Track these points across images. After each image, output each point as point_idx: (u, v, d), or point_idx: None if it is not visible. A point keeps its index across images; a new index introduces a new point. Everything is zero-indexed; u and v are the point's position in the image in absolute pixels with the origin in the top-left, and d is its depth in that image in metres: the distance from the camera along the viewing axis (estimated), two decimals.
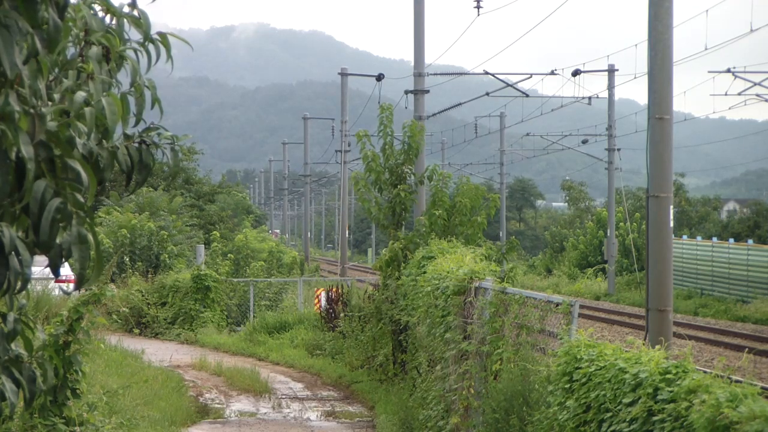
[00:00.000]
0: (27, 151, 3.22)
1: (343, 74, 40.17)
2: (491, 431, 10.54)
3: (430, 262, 15.60)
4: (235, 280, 31.83)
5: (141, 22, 4.06)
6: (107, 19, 4.03)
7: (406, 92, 25.64)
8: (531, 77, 38.05)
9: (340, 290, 24.51)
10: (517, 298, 10.81)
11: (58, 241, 3.41)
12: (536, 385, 9.34)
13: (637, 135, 36.52)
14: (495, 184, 64.68)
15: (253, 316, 29.26)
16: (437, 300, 13.33)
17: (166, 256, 35.28)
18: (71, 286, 21.10)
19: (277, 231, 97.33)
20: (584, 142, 51.72)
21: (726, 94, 38.31)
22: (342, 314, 22.92)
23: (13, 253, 3.30)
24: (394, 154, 19.53)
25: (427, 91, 24.54)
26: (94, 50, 3.90)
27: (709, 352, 26.66)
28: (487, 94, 37.95)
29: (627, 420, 7.01)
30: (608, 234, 45.46)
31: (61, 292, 21.12)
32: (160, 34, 4.15)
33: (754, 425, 5.72)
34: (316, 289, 29.29)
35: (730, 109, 40.62)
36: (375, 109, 21.28)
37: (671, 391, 6.63)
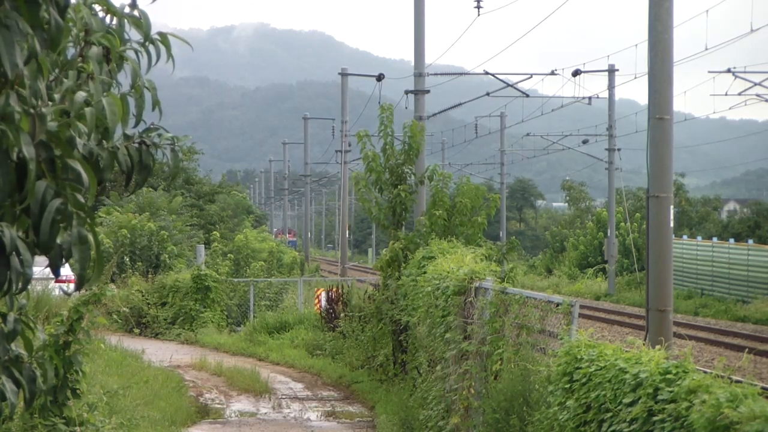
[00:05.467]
0: (29, 151, 3.22)
1: (343, 74, 40.18)
2: (491, 431, 10.54)
3: (430, 262, 15.60)
4: (235, 280, 31.84)
5: (141, 22, 4.05)
6: (107, 19, 4.02)
7: (407, 92, 25.63)
8: (531, 77, 38.09)
9: (340, 290, 24.51)
10: (518, 298, 10.81)
11: (58, 241, 3.41)
12: (536, 385, 9.34)
13: (637, 135, 36.54)
14: (495, 184, 64.68)
15: (253, 316, 29.26)
16: (437, 300, 13.33)
17: (166, 256, 35.28)
18: (71, 286, 21.10)
19: (276, 229, 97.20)
20: (584, 142, 51.74)
21: (726, 94, 38.31)
22: (342, 314, 22.92)
23: (14, 253, 3.30)
24: (394, 154, 19.54)
25: (428, 91, 24.53)
26: (94, 50, 3.90)
27: (710, 352, 26.66)
28: (488, 94, 37.95)
29: (627, 420, 7.01)
30: (608, 234, 45.47)
31: (61, 292, 21.11)
32: (161, 34, 4.14)
33: (754, 425, 5.72)
34: (316, 289, 29.29)
35: (730, 109, 40.63)
36: (375, 109, 21.28)
37: (671, 392, 6.63)
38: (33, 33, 3.24)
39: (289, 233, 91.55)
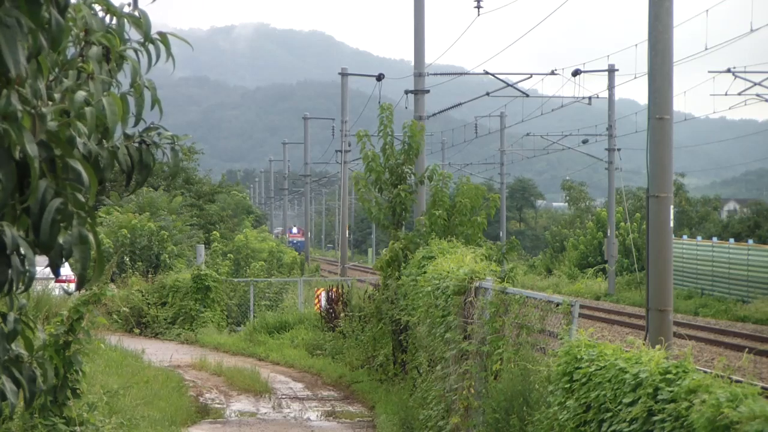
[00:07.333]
0: (32, 149, 3.21)
1: (343, 74, 40.19)
2: (491, 431, 10.54)
3: (430, 262, 15.60)
4: (236, 280, 31.84)
5: (141, 22, 4.05)
6: (107, 19, 4.02)
7: (406, 92, 25.62)
8: (531, 77, 38.13)
9: (340, 290, 24.51)
10: (518, 298, 10.81)
11: (59, 241, 3.41)
12: (536, 385, 9.34)
13: (637, 135, 36.51)
14: (495, 184, 64.68)
15: (254, 316, 29.27)
16: (437, 300, 13.33)
17: (166, 256, 35.28)
18: (72, 285, 21.11)
19: (278, 229, 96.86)
20: (584, 142, 51.74)
21: (726, 94, 38.30)
22: (342, 314, 22.92)
23: (14, 252, 3.30)
24: (394, 154, 19.54)
25: (428, 91, 24.52)
26: (94, 50, 3.90)
27: (709, 352, 26.65)
28: (488, 94, 37.95)
29: (627, 420, 7.01)
30: (608, 234, 45.45)
31: (61, 292, 21.12)
32: (160, 33, 4.14)
33: (754, 425, 5.72)
34: (316, 289, 29.29)
35: (730, 109, 40.63)
36: (375, 109, 21.28)
37: (671, 391, 6.63)
38: (36, 30, 3.24)
39: (297, 232, 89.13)
